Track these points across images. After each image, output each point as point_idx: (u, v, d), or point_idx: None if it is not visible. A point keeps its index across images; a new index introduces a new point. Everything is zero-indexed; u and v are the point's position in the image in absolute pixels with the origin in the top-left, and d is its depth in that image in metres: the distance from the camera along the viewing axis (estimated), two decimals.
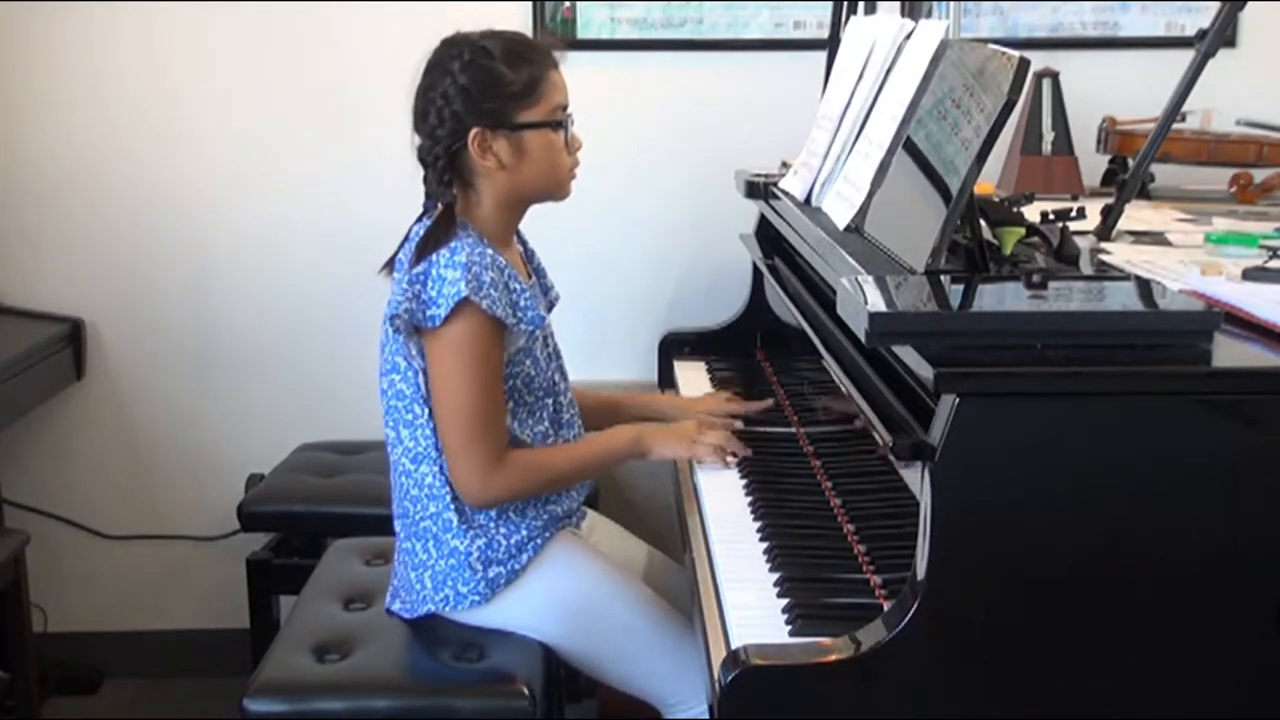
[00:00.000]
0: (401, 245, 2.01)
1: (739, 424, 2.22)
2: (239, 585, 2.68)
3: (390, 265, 2.03)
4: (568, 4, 2.91)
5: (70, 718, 2.99)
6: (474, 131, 1.93)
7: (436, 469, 1.96)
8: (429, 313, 1.88)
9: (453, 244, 1.89)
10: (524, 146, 1.96)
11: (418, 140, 1.99)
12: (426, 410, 1.95)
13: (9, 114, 2.95)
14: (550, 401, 2.05)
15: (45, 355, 2.86)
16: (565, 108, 2.00)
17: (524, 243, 2.15)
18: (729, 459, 2.07)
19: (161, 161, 2.98)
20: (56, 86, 2.94)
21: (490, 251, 1.92)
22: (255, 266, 3.02)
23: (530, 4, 2.89)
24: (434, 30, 2.00)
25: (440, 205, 1.95)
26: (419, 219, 2.01)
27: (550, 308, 2.18)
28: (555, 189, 2.03)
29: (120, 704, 3.05)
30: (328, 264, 3.00)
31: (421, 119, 1.97)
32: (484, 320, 1.89)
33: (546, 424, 2.04)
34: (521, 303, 1.96)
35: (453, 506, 1.96)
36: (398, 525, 2.04)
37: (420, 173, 2.01)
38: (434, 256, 1.89)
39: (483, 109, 1.93)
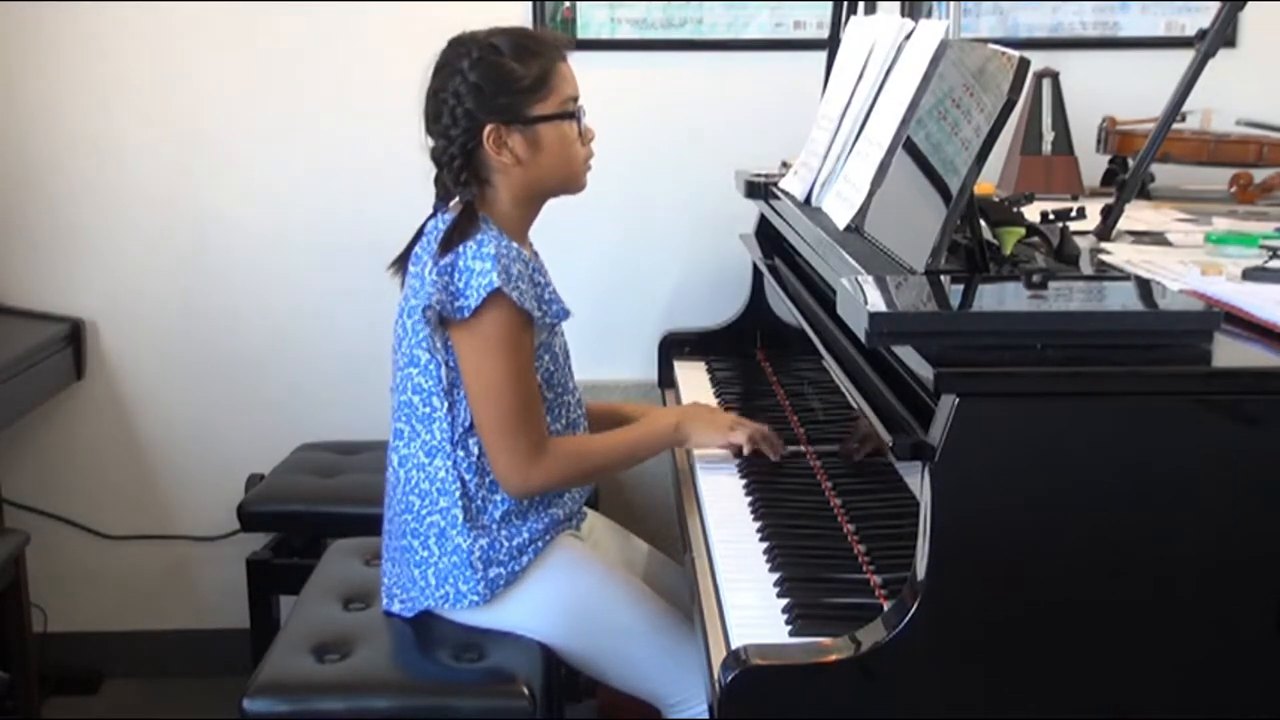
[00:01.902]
0: (414, 242, 2.01)
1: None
2: (239, 585, 2.68)
3: (400, 263, 2.03)
4: (568, 4, 2.91)
5: (70, 718, 2.99)
6: (488, 128, 1.93)
7: (450, 463, 1.96)
8: (458, 304, 1.89)
9: (479, 237, 1.90)
10: (539, 140, 1.96)
11: (430, 142, 1.99)
12: (446, 403, 1.95)
13: (9, 114, 2.95)
14: (566, 399, 2.06)
15: (45, 355, 2.86)
16: (576, 99, 2.00)
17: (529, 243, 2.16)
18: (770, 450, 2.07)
19: (162, 162, 2.97)
20: (57, 87, 2.94)
21: (515, 245, 1.93)
22: (256, 267, 3.02)
23: (530, 4, 2.89)
24: (435, 32, 2.00)
25: (460, 203, 1.96)
26: (432, 215, 2.01)
27: None
28: (571, 181, 2.04)
29: (120, 704, 3.05)
30: (328, 264, 3.00)
31: (434, 120, 1.97)
32: (514, 311, 1.90)
33: (563, 421, 2.05)
34: (546, 296, 1.97)
35: (461, 503, 1.96)
36: (395, 523, 2.04)
37: (423, 173, 2.02)
38: (460, 249, 1.89)
39: (496, 105, 1.93)
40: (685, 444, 2.11)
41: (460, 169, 1.96)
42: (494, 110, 1.94)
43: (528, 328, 1.93)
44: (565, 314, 2.01)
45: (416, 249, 2.00)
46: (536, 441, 1.94)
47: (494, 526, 1.97)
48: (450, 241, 1.90)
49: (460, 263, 1.89)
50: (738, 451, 2.08)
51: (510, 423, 1.92)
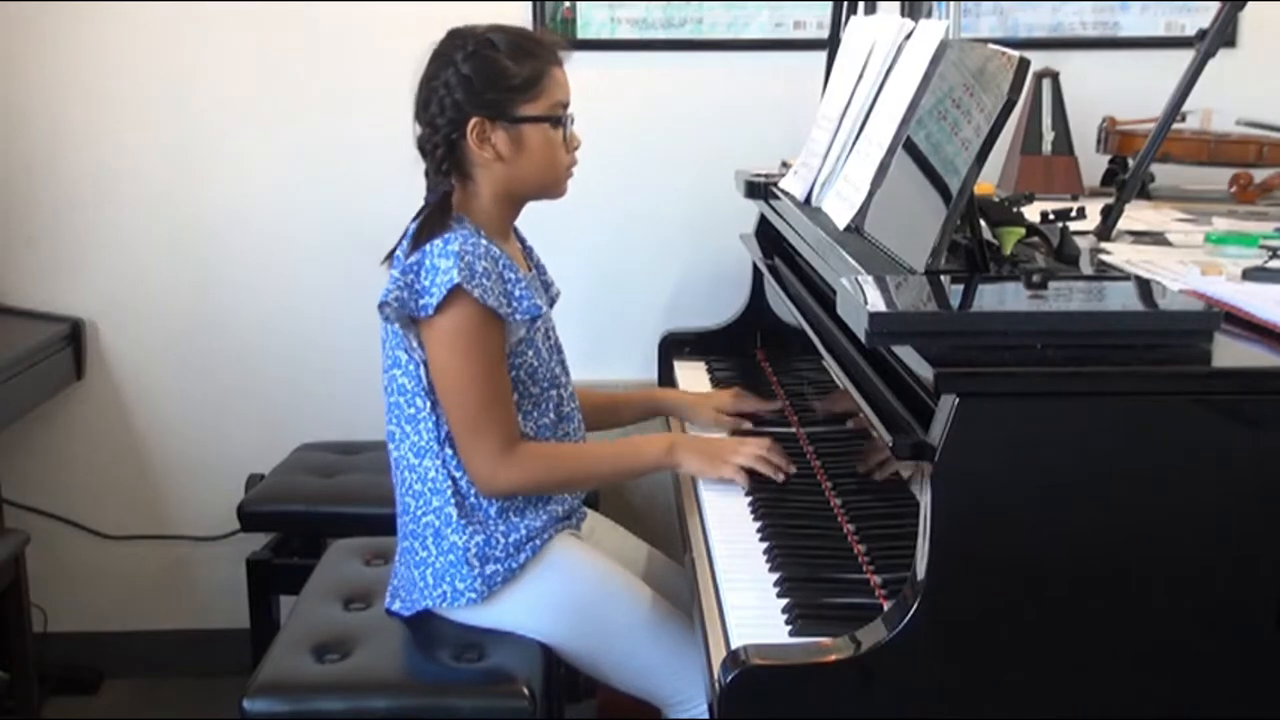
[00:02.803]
0: (401, 239, 2.02)
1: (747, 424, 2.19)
2: (239, 585, 2.68)
3: (391, 258, 2.03)
4: (568, 4, 2.91)
5: (70, 718, 2.99)
6: (473, 121, 1.94)
7: (439, 463, 1.96)
8: (422, 302, 1.89)
9: (446, 234, 1.90)
10: (522, 140, 1.96)
11: (418, 129, 1.99)
12: (429, 403, 1.95)
13: (10, 114, 2.95)
14: (554, 394, 2.06)
15: (45, 355, 2.86)
16: (566, 105, 2.00)
17: (522, 240, 2.16)
18: (771, 470, 1.99)
19: (162, 161, 2.98)
20: (56, 86, 2.94)
21: (485, 242, 1.93)
22: (255, 266, 3.02)
23: (530, 4, 2.89)
24: (434, 31, 2.00)
25: (437, 198, 1.96)
26: (418, 214, 2.01)
27: (551, 304, 2.18)
28: (551, 186, 2.04)
29: (120, 704, 3.05)
30: (328, 263, 3.00)
31: (423, 107, 1.97)
32: (477, 309, 1.89)
33: (551, 416, 2.05)
34: (516, 292, 1.96)
35: (454, 501, 1.96)
36: (399, 525, 2.04)
37: (423, 172, 2.02)
38: (428, 246, 1.90)
39: (483, 99, 1.94)
40: (676, 470, 2.06)
41: (442, 159, 1.96)
42: (481, 104, 1.94)
43: (494, 324, 1.92)
44: (538, 310, 2.00)
45: (397, 250, 2.00)
46: (505, 439, 1.93)
47: (490, 523, 1.97)
48: (420, 239, 1.91)
49: (426, 261, 1.89)
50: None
51: (476, 420, 1.91)
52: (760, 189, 2.51)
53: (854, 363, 1.73)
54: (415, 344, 1.94)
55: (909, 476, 1.56)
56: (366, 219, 2.93)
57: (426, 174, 2.00)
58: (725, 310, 2.80)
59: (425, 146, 1.98)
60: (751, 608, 1.60)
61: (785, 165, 2.51)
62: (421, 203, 2.02)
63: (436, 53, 1.98)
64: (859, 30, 2.24)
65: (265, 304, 3.03)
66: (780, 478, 1.98)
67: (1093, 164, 2.73)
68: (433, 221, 1.92)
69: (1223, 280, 1.74)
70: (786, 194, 2.30)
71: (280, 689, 1.89)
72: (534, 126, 1.97)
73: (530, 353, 2.00)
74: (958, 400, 1.33)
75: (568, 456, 2.03)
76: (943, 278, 1.57)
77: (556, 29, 2.88)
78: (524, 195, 2.04)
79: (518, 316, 1.96)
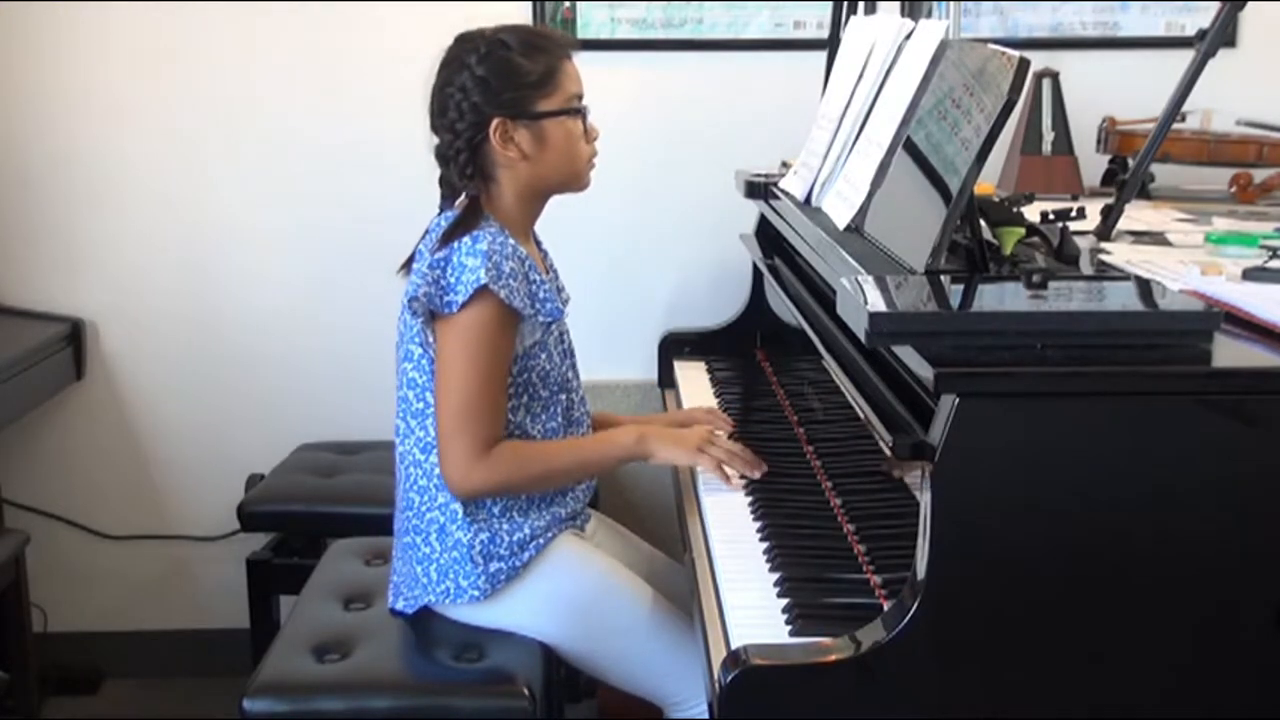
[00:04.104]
0: (421, 240, 2.02)
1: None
2: (239, 585, 2.68)
3: (408, 265, 2.03)
4: (568, 4, 2.91)
5: (70, 718, 2.99)
6: (495, 122, 1.94)
7: None
8: (447, 299, 1.89)
9: (475, 232, 1.90)
10: (545, 135, 1.97)
11: (435, 139, 1.99)
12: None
13: (10, 114, 2.95)
14: (564, 397, 2.05)
15: (45, 355, 2.86)
16: (581, 96, 2.01)
17: (538, 243, 2.16)
18: (735, 480, 1.99)
19: (162, 162, 2.98)
20: (57, 87, 2.94)
21: (512, 242, 1.93)
22: (256, 267, 3.02)
23: (530, 4, 2.89)
24: (437, 32, 2.00)
25: (466, 199, 1.96)
26: (439, 214, 2.01)
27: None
28: (575, 179, 2.04)
29: (120, 704, 3.05)
30: (328, 264, 3.00)
31: (440, 115, 1.97)
32: (500, 309, 1.90)
33: (559, 420, 2.04)
34: (540, 294, 1.96)
35: (459, 498, 1.96)
36: (400, 520, 2.04)
37: (424, 173, 2.02)
38: (456, 244, 1.90)
39: (502, 99, 1.94)
40: (648, 460, 2.05)
41: (466, 164, 1.96)
42: (500, 104, 1.94)
43: (511, 326, 1.92)
44: (559, 312, 2.01)
45: (420, 246, 2.00)
46: (484, 441, 1.91)
47: (495, 520, 1.97)
48: (450, 236, 1.91)
49: (454, 258, 1.89)
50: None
51: (461, 418, 1.90)
52: (760, 189, 2.51)
53: (854, 363, 1.73)
54: (431, 338, 1.94)
55: (909, 477, 1.57)
56: (367, 219, 2.94)
57: (443, 181, 2.00)
58: (725, 310, 2.81)
59: (447, 153, 1.97)
60: (751, 608, 1.60)
61: (785, 165, 2.51)
62: (424, 200, 2.03)
63: (446, 60, 1.97)
64: (859, 30, 2.24)
65: (265, 304, 3.03)
66: (756, 474, 1.98)
67: (1093, 164, 2.73)
68: (466, 220, 1.93)
69: (1223, 280, 1.74)
70: (786, 194, 2.30)
71: (280, 689, 1.89)
72: (554, 121, 1.97)
73: (543, 356, 2.00)
74: (957, 400, 1.33)
75: (537, 455, 2.00)
76: (943, 278, 1.57)
77: (557, 29, 2.88)
78: (548, 191, 2.04)
79: (540, 318, 1.96)
